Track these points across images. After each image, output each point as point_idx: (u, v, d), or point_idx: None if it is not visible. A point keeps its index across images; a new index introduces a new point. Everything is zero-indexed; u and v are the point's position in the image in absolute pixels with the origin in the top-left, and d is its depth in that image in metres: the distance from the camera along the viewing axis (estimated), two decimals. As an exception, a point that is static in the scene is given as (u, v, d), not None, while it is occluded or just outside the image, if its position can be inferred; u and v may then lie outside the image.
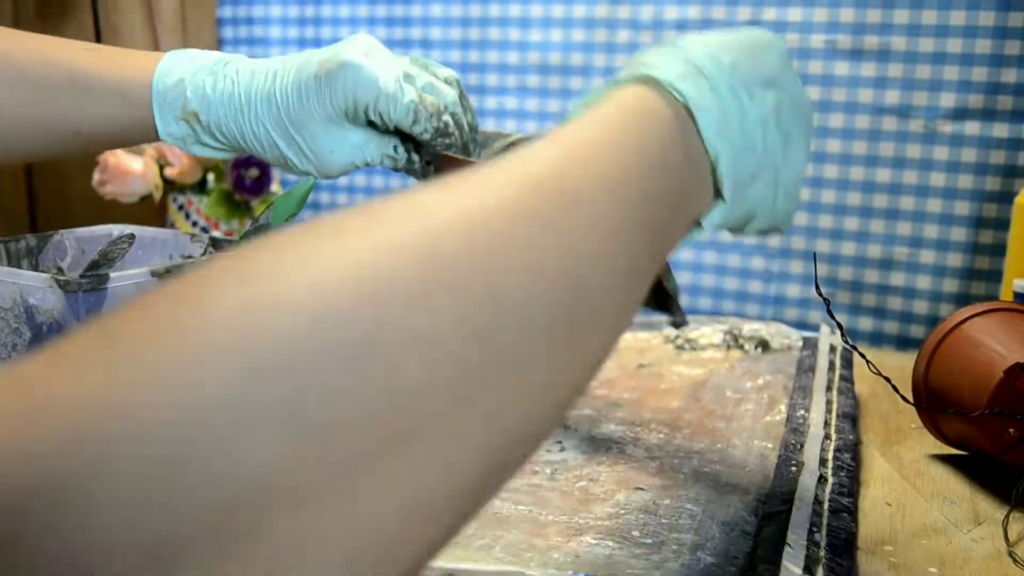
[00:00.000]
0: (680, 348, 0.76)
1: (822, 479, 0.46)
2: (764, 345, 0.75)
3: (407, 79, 0.51)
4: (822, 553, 0.39)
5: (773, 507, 0.43)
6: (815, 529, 0.41)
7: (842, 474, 0.48)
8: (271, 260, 0.20)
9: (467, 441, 0.21)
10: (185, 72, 0.51)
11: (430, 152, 0.53)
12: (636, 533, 0.42)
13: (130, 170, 0.89)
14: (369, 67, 0.49)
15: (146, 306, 0.19)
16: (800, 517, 0.41)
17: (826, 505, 0.44)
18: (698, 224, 0.36)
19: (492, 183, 0.25)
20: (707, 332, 0.78)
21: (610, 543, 0.41)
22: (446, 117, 0.52)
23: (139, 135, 0.53)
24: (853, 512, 0.45)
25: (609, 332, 0.28)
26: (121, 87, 0.52)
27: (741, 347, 0.76)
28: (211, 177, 0.94)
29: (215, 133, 0.52)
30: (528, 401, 0.23)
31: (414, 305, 0.20)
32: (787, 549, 0.38)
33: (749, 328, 0.77)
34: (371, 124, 0.51)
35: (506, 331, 0.22)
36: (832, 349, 0.69)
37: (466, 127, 0.53)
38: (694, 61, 0.36)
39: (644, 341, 0.78)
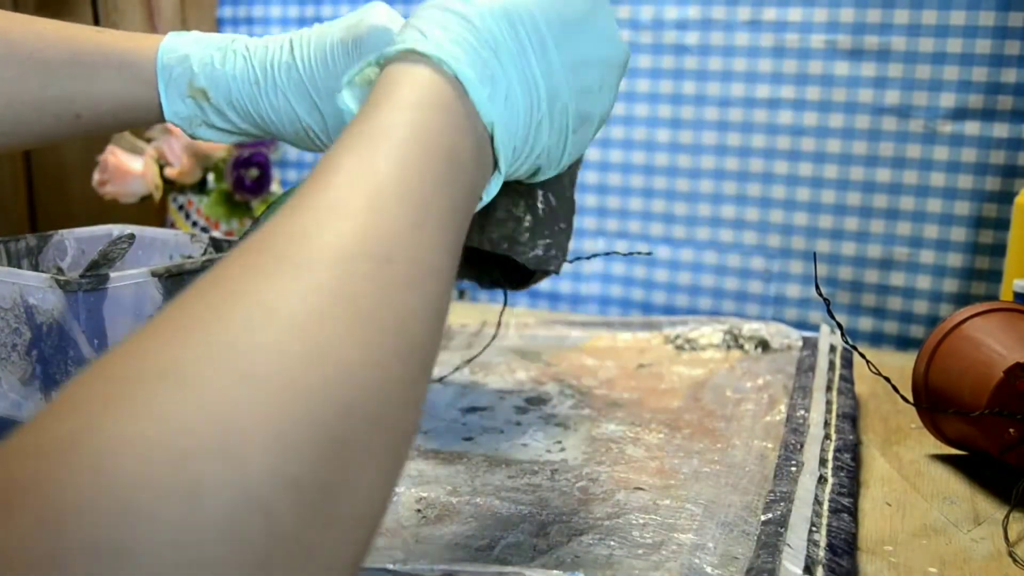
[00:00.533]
0: (680, 348, 0.76)
1: (822, 479, 0.46)
2: (764, 345, 0.75)
3: None
4: (822, 553, 0.38)
5: (773, 507, 0.43)
6: (815, 529, 0.41)
7: (842, 474, 0.48)
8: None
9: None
10: (191, 49, 0.50)
11: None
12: (636, 533, 0.42)
13: (130, 170, 0.89)
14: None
15: None
16: (800, 517, 0.41)
17: (826, 505, 0.44)
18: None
19: (303, 271, 0.23)
20: (707, 332, 0.78)
21: (610, 543, 0.41)
22: None
23: (143, 114, 0.51)
24: (853, 512, 0.45)
25: (432, 365, 0.27)
26: (124, 62, 0.50)
27: (741, 347, 0.76)
28: (211, 177, 0.94)
29: (225, 112, 0.50)
30: (377, 497, 0.23)
31: (275, 445, 0.19)
32: (787, 549, 0.38)
33: (749, 328, 0.77)
34: None
35: (359, 436, 0.21)
36: (832, 349, 0.69)
37: None
38: (470, 19, 0.34)
39: (644, 341, 0.78)
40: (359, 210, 0.26)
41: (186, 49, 0.50)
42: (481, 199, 0.35)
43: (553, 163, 0.39)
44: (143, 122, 0.52)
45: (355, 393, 0.22)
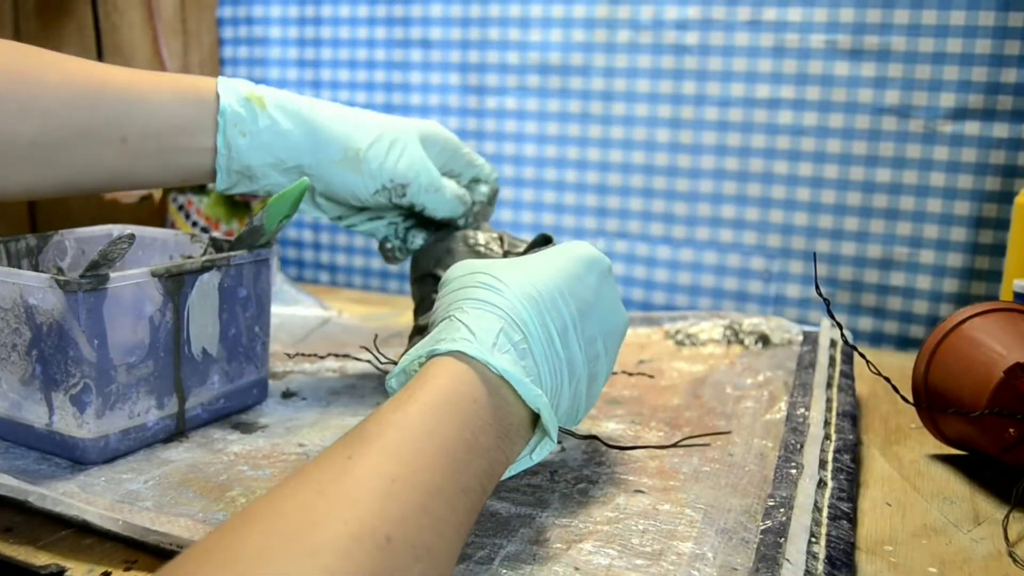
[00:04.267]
0: (680, 344, 0.76)
1: (822, 483, 0.46)
2: (764, 340, 0.75)
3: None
4: (820, 567, 0.38)
5: (773, 514, 0.43)
6: (814, 540, 0.40)
7: (841, 477, 0.48)
8: None
9: None
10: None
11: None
12: (636, 541, 0.42)
13: (130, 170, 0.89)
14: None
15: None
16: (799, 527, 0.41)
17: (825, 512, 0.43)
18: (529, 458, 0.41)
19: (309, 557, 0.26)
20: (707, 327, 0.78)
21: (610, 551, 0.41)
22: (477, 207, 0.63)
23: (193, 137, 0.54)
24: (852, 518, 0.44)
25: None
26: (181, 86, 0.54)
27: (741, 342, 0.76)
28: (211, 177, 0.93)
29: (277, 119, 0.55)
30: None
31: None
32: (786, 564, 0.38)
33: (749, 323, 0.77)
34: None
35: None
36: (832, 344, 0.69)
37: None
38: (506, 312, 0.39)
39: (644, 337, 0.78)
40: (369, 496, 0.29)
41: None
42: (528, 460, 0.41)
43: (570, 421, 0.45)
44: (193, 148, 0.55)
45: None
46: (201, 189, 0.94)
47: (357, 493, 0.29)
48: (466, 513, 0.34)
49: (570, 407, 0.44)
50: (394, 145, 0.57)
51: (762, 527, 0.42)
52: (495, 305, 0.40)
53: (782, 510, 0.43)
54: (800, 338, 0.74)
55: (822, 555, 0.39)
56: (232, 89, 0.55)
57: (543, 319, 0.40)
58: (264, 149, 0.55)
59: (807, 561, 0.38)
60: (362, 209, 0.62)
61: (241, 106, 0.54)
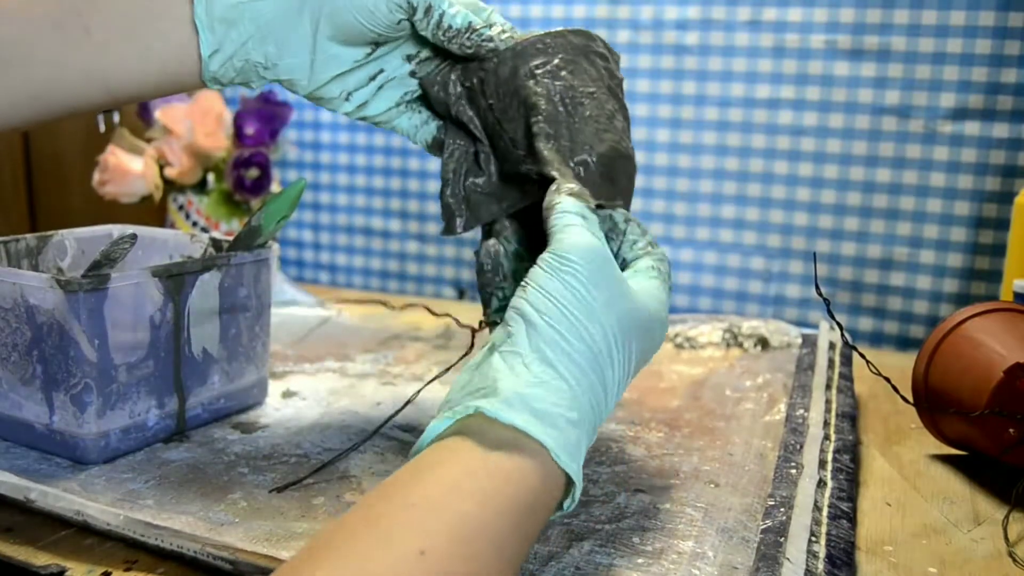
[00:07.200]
0: (680, 347, 0.76)
1: (821, 482, 0.46)
2: (764, 343, 0.75)
3: None
4: (821, 566, 0.38)
5: (773, 513, 0.43)
6: (814, 539, 0.40)
7: (841, 477, 0.48)
8: None
9: None
10: None
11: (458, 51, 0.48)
12: (636, 540, 0.42)
13: (130, 170, 0.89)
14: None
15: None
16: (799, 526, 0.41)
17: (825, 512, 0.43)
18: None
19: None
20: (706, 331, 0.78)
21: (611, 551, 0.41)
22: None
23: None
24: (852, 518, 0.44)
25: None
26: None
27: (740, 345, 0.76)
28: (211, 177, 0.94)
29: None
30: None
31: None
32: (786, 563, 0.38)
33: (748, 326, 0.77)
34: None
35: None
36: (831, 346, 0.69)
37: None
38: (577, 383, 0.36)
39: (644, 341, 0.78)
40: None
41: None
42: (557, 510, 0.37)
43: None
44: (165, 22, 0.45)
45: None
46: (201, 189, 0.94)
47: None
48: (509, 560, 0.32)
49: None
50: None
51: (762, 526, 0.42)
52: (561, 376, 0.36)
53: (782, 509, 0.43)
54: (799, 341, 0.74)
55: (822, 554, 0.39)
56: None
57: (600, 373, 0.37)
58: None
59: (807, 560, 0.38)
60: (369, 55, 0.49)
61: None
